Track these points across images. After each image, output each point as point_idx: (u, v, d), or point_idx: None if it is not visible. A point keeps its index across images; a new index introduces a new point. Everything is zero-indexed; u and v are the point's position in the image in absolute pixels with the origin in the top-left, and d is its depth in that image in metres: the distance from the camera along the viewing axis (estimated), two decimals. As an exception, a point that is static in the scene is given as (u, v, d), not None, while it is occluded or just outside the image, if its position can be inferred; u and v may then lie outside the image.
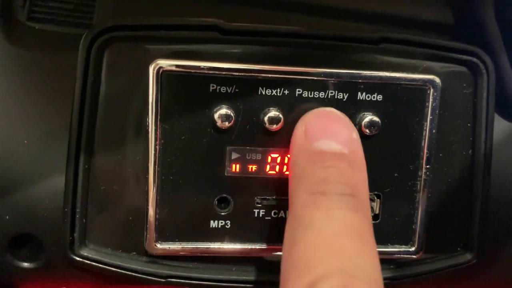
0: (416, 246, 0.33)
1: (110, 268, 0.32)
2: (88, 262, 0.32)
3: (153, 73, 0.30)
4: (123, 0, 0.34)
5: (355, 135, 0.29)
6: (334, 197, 0.26)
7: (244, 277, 0.33)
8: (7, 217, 0.31)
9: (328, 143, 0.28)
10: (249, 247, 0.32)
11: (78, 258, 0.31)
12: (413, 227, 0.33)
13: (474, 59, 0.33)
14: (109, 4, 0.34)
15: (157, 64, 0.30)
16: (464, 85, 0.33)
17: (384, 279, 0.33)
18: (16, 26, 0.34)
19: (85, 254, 0.32)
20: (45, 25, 0.35)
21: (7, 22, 0.34)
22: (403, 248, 0.33)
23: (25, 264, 0.33)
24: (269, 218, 0.32)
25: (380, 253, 0.32)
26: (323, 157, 0.27)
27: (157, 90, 0.30)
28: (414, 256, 0.34)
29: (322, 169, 0.27)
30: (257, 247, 0.32)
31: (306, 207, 0.26)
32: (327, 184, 0.26)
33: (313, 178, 0.27)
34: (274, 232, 0.32)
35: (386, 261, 0.34)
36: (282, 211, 0.32)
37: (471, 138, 0.34)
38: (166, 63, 0.30)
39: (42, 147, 0.32)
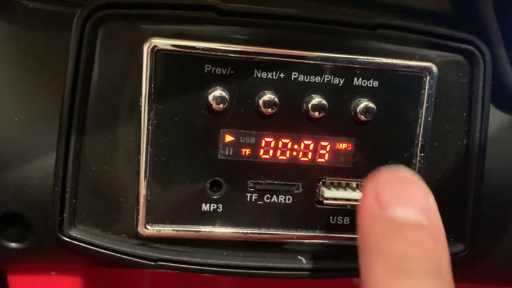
0: (408, 234, 0.33)
1: (100, 250, 0.31)
2: (77, 243, 0.31)
3: (148, 52, 0.29)
4: None
5: (432, 200, 0.26)
6: (418, 277, 0.23)
7: (235, 262, 0.32)
8: None
9: (405, 211, 0.25)
10: (241, 231, 0.32)
11: (67, 239, 0.31)
12: (406, 215, 0.33)
13: (471, 48, 0.33)
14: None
15: (152, 43, 0.29)
16: (461, 74, 0.33)
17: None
18: (9, 4, 0.34)
19: (74, 235, 0.31)
20: (39, 3, 0.34)
21: (0, 0, 0.33)
22: (395, 237, 0.33)
23: (13, 245, 0.32)
24: (262, 202, 0.32)
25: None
26: (401, 228, 0.24)
27: (151, 69, 0.29)
28: (406, 245, 0.33)
29: (402, 242, 0.24)
30: (249, 231, 0.32)
31: (386, 286, 0.23)
32: (409, 261, 0.24)
33: (392, 253, 0.24)
34: (266, 217, 0.32)
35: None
36: (274, 196, 0.32)
37: (466, 128, 0.34)
38: (161, 42, 0.29)
39: (33, 125, 0.31)
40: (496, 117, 0.35)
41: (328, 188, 0.32)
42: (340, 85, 0.31)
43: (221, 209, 0.32)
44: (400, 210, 0.25)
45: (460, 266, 0.35)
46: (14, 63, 0.32)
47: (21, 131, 0.31)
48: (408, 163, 0.33)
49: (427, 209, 0.25)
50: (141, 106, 0.30)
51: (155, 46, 0.29)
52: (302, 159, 0.32)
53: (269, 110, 0.30)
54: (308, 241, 0.33)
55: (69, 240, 0.31)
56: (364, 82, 0.31)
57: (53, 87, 0.31)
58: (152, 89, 0.30)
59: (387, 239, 0.24)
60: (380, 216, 0.25)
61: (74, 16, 0.30)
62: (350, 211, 0.33)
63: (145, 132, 0.30)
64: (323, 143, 0.32)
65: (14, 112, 0.31)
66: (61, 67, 0.31)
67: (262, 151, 0.31)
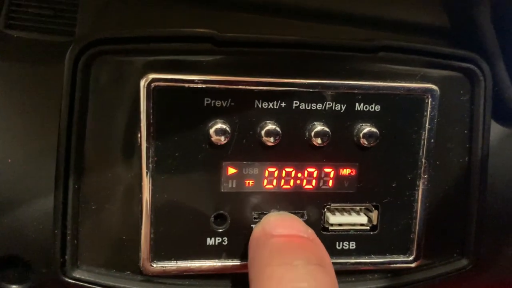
0: (414, 255, 0.33)
1: None
2: (81, 283, 0.30)
3: (144, 88, 0.28)
4: (107, 7, 0.32)
5: (311, 230, 0.29)
6: (303, 268, 0.25)
7: (242, 293, 0.32)
8: None
9: (287, 230, 0.28)
10: (247, 263, 0.31)
11: (70, 280, 0.30)
12: (411, 236, 0.33)
13: (472, 66, 0.32)
14: (93, 11, 0.32)
15: (148, 78, 0.28)
16: (461, 92, 0.33)
17: (381, 288, 0.34)
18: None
19: (78, 276, 0.30)
20: (25, 32, 0.33)
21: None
22: (401, 258, 0.33)
23: (14, 287, 0.31)
24: (267, 233, 0.31)
25: (378, 263, 0.33)
26: (286, 238, 0.28)
27: (148, 105, 0.29)
28: (412, 265, 0.33)
29: (287, 245, 0.27)
30: (255, 262, 0.31)
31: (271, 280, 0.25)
32: (295, 259, 0.26)
33: (278, 254, 0.26)
34: (272, 247, 0.32)
35: (383, 270, 0.34)
36: (280, 226, 0.31)
37: (467, 145, 0.34)
38: (158, 77, 0.28)
39: (28, 166, 0.30)
40: (496, 130, 0.35)
41: (333, 213, 0.32)
42: (342, 111, 0.31)
43: (226, 242, 0.31)
44: (283, 229, 0.28)
45: (465, 281, 0.35)
46: (3, 99, 0.31)
47: (16, 172, 0.30)
48: (412, 185, 0.32)
49: (307, 230, 0.29)
50: (140, 143, 0.29)
51: (152, 82, 0.28)
52: (306, 187, 0.31)
53: (272, 140, 0.30)
54: (315, 268, 0.32)
55: (73, 281, 0.30)
56: (366, 107, 0.31)
57: (47, 124, 0.30)
58: (151, 126, 0.29)
59: (275, 247, 0.27)
60: (267, 237, 0.28)
61: (62, 45, 0.29)
62: (355, 236, 0.33)
63: (146, 170, 0.29)
64: (327, 170, 0.31)
65: (7, 153, 0.30)
66: (53, 102, 0.29)
67: (265, 181, 0.31)
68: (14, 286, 0.32)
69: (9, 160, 0.30)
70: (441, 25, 0.34)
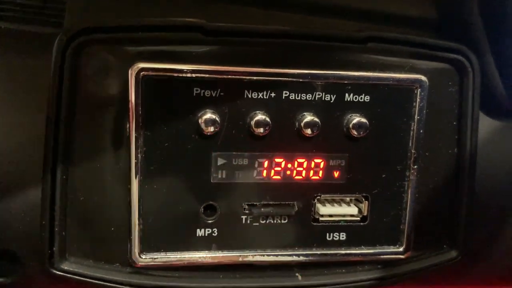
0: (404, 246, 0.33)
1: (93, 281, 0.30)
2: (69, 275, 0.30)
3: (133, 77, 0.28)
4: None
5: None
6: None
7: (232, 284, 0.32)
8: None
9: None
10: (237, 254, 0.31)
11: (58, 272, 0.30)
12: (401, 227, 0.33)
13: (460, 57, 0.32)
14: (81, 3, 0.32)
15: (137, 68, 0.28)
16: (450, 83, 0.33)
17: (372, 279, 0.34)
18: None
19: (66, 267, 0.30)
20: (13, 24, 0.33)
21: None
22: (391, 249, 0.33)
23: (1, 279, 0.31)
24: (257, 224, 0.31)
25: (368, 254, 0.33)
26: None
27: (137, 95, 0.28)
28: (402, 256, 0.33)
29: None
30: (245, 254, 0.31)
31: None
32: None
33: None
34: (262, 238, 0.32)
35: (373, 262, 0.34)
36: (270, 217, 0.31)
37: (456, 136, 0.34)
38: (147, 67, 0.28)
39: (15, 157, 0.30)
40: (484, 123, 0.35)
41: (323, 204, 0.32)
42: (331, 101, 0.31)
43: (216, 233, 0.31)
44: None
45: (454, 271, 0.36)
46: None
47: (3, 164, 0.29)
48: (402, 176, 0.32)
49: None
50: (129, 133, 0.29)
51: (140, 71, 0.28)
52: (296, 177, 0.31)
53: (261, 130, 0.30)
54: (305, 259, 0.32)
55: (61, 273, 0.30)
56: (356, 98, 0.31)
57: (34, 115, 0.30)
58: (140, 116, 0.29)
59: None
60: None
61: (51, 36, 0.29)
62: (345, 227, 0.33)
63: (135, 160, 0.29)
64: (317, 161, 0.31)
65: None
66: (41, 93, 0.29)
67: (255, 172, 0.31)
68: (1, 279, 0.31)
69: (-4, 151, 0.30)
70: (430, 17, 0.34)
